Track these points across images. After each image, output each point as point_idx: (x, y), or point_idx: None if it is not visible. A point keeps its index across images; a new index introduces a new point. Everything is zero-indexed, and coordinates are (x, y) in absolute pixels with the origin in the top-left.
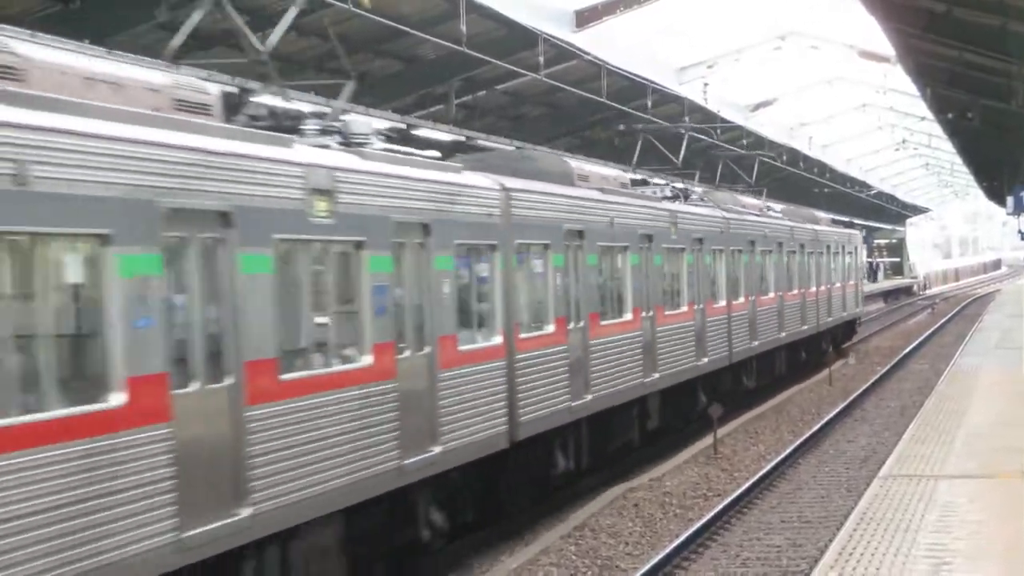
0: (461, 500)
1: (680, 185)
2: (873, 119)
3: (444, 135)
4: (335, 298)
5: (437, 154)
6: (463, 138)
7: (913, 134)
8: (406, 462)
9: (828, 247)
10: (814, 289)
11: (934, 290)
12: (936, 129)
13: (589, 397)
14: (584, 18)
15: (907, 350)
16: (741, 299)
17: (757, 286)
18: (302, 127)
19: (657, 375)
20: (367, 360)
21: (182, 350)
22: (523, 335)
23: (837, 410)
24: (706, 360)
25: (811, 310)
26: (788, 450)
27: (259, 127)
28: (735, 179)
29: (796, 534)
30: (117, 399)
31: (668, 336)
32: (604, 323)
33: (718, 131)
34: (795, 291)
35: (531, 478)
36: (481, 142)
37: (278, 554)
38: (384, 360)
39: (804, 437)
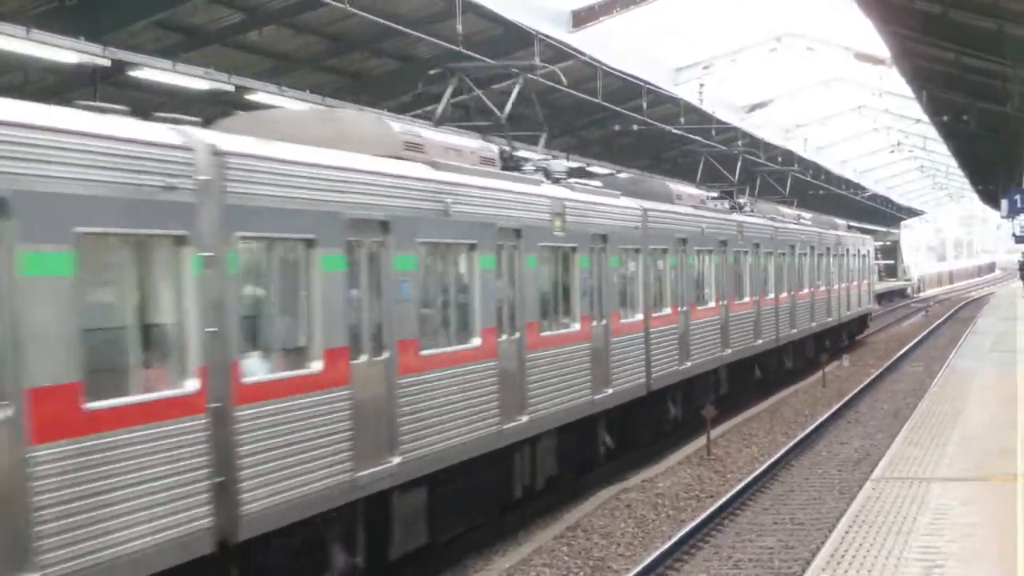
0: (616, 429)
1: (734, 199)
2: (869, 121)
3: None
4: (562, 285)
5: (599, 183)
6: None
7: (908, 136)
8: (595, 397)
9: (848, 250)
10: (837, 286)
11: (928, 292)
12: (931, 131)
13: (689, 364)
14: (581, 18)
15: (901, 352)
16: (784, 293)
17: (796, 283)
18: (522, 167)
19: (729, 351)
20: (576, 327)
21: (500, 315)
22: (654, 314)
23: (831, 412)
24: (760, 341)
25: (834, 304)
26: (781, 452)
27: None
28: (768, 190)
29: (788, 536)
30: (476, 342)
31: (736, 321)
32: (699, 308)
33: (713, 132)
34: (823, 288)
35: (654, 421)
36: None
37: (530, 451)
38: (585, 327)
39: (797, 439)
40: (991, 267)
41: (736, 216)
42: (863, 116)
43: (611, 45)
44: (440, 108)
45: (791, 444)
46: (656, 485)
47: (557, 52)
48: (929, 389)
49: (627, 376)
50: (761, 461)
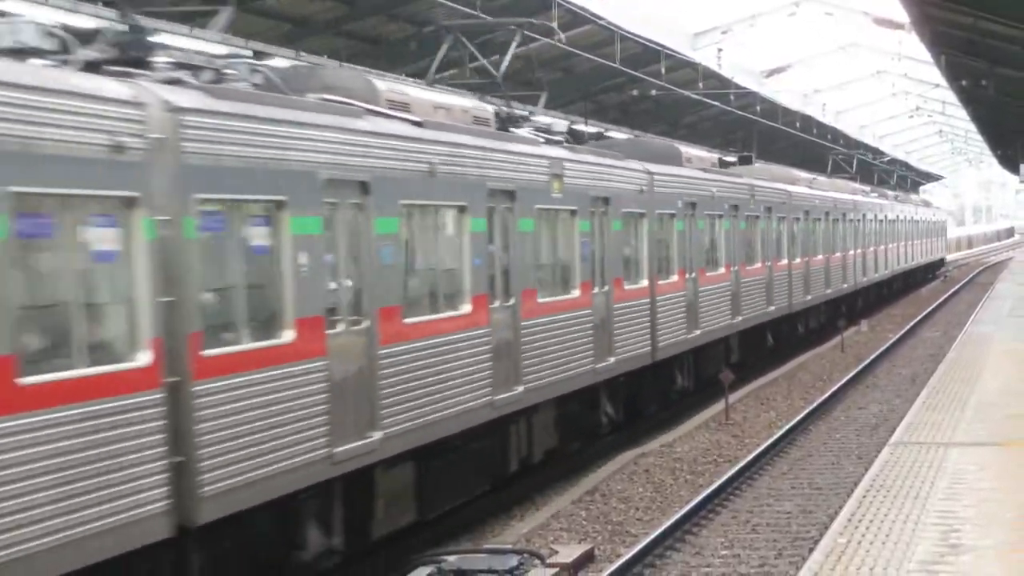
0: (619, 400)
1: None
2: (887, 86)
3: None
4: (563, 247)
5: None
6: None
7: (927, 101)
8: (597, 367)
9: (930, 220)
10: (918, 242)
11: (947, 257)
12: (950, 96)
13: (698, 332)
14: None
15: (919, 317)
16: (838, 254)
17: (866, 241)
18: (517, 127)
19: (740, 318)
20: (575, 293)
21: (493, 281)
22: (660, 281)
23: (849, 377)
24: (772, 308)
25: (918, 251)
26: (799, 417)
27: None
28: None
29: (806, 501)
30: (466, 309)
31: (748, 286)
32: (708, 274)
33: (732, 97)
34: (911, 242)
35: (661, 390)
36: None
37: (525, 425)
38: (585, 294)
39: (815, 404)
40: (1010, 232)
41: (749, 180)
42: (882, 81)
43: (629, 9)
44: (433, 68)
45: (809, 409)
46: (674, 450)
47: (575, 16)
48: (947, 354)
49: (631, 345)
50: (779, 426)
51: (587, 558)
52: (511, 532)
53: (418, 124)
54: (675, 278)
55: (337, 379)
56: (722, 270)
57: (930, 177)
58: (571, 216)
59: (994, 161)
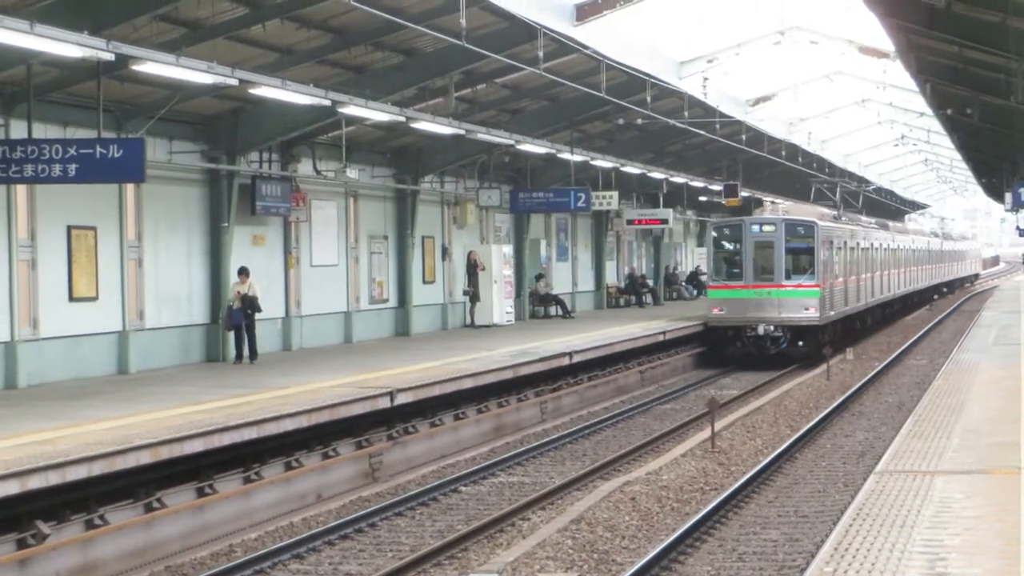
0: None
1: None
2: (872, 114)
3: (444, 128)
4: (854, 264)
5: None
6: (463, 131)
7: (912, 130)
8: (845, 307)
9: (969, 250)
10: (964, 263)
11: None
12: (935, 125)
13: (847, 307)
14: (584, 12)
15: (905, 346)
16: (932, 265)
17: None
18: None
19: (874, 298)
20: (840, 279)
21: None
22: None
23: (835, 405)
24: (892, 292)
25: (963, 268)
26: (785, 445)
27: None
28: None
29: (793, 529)
30: (840, 279)
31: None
32: (849, 279)
33: (717, 126)
34: (961, 263)
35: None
36: (480, 136)
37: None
38: (840, 280)
39: (801, 432)
40: (995, 260)
41: (850, 225)
42: (867, 110)
43: (615, 39)
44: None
45: (795, 437)
46: (660, 478)
47: (561, 46)
48: (933, 382)
49: (838, 306)
50: (765, 454)
51: None
52: (497, 561)
53: (834, 220)
54: (841, 279)
55: (830, 295)
56: (853, 277)
57: (916, 206)
58: (832, 246)
59: (979, 189)
